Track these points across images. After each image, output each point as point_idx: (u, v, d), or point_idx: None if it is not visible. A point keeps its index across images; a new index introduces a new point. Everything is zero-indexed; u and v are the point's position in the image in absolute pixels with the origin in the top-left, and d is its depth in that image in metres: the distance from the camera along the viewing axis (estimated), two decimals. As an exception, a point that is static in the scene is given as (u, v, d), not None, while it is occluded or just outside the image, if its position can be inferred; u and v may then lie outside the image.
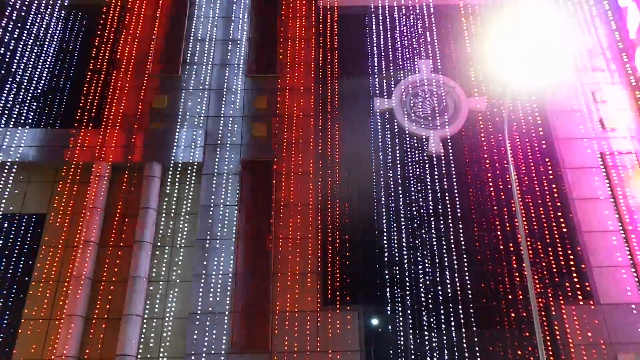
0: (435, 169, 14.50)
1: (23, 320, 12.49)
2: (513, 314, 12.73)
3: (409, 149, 14.81)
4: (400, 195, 14.19)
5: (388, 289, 13.09)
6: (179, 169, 14.33)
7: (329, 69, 15.89)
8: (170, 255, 13.42)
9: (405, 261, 13.39)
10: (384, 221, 13.91)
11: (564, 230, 13.52)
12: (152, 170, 14.01)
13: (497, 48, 15.90)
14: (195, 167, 14.33)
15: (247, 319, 12.61)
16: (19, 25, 16.33)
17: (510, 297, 12.96)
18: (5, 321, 12.56)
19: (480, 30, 16.41)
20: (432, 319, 12.81)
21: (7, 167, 13.90)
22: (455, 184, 14.26)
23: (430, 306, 12.94)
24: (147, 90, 15.18)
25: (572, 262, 13.13)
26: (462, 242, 13.54)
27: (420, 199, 14.16)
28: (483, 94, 15.43)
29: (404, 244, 13.58)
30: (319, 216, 13.84)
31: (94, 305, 12.67)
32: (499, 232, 13.69)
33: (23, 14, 16.45)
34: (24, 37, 16.19)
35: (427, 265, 13.40)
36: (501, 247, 13.51)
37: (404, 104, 15.32)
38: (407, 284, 13.17)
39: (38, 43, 16.12)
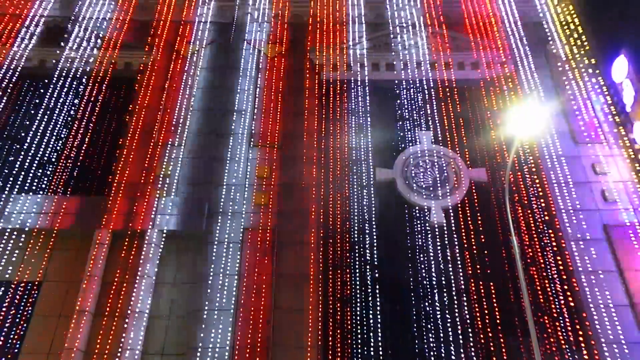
0: (438, 239, 14.37)
1: (10, 395, 12.00)
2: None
3: (411, 219, 14.76)
4: (403, 266, 13.98)
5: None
6: (180, 237, 14.24)
7: (331, 139, 16.16)
8: (167, 327, 13.05)
9: (409, 332, 12.99)
10: (386, 292, 13.62)
11: (571, 304, 13.18)
12: (152, 238, 13.93)
13: (496, 120, 16.31)
14: (196, 235, 14.23)
15: (244, 396, 12.07)
16: (28, 95, 16.87)
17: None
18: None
19: (480, 103, 16.87)
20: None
21: (7, 233, 13.84)
22: (457, 254, 14.10)
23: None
24: (152, 159, 15.38)
25: (580, 337, 12.70)
26: (466, 315, 13.17)
27: (423, 270, 13.94)
28: (483, 165, 15.59)
29: (405, 317, 13.23)
30: (319, 287, 13.58)
31: (85, 379, 12.20)
32: (505, 306, 13.35)
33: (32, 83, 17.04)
34: (33, 106, 16.68)
35: (431, 339, 12.98)
36: (506, 320, 13.14)
37: (405, 175, 15.44)
38: (410, 357, 12.69)
39: (44, 111, 16.53)
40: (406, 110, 16.81)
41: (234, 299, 13.10)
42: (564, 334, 12.83)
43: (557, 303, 13.25)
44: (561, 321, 13.00)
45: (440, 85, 17.13)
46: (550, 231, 14.27)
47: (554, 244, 14.05)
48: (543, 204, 14.72)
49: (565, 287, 13.39)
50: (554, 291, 13.41)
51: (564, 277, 13.55)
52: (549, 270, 13.73)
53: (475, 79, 17.31)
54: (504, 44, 17.95)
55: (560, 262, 13.74)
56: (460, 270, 13.86)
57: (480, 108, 16.80)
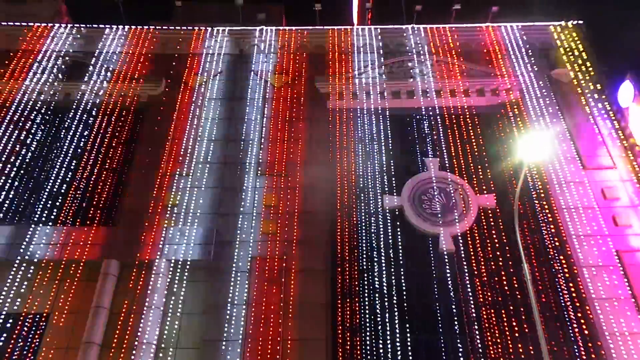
0: (448, 267, 14.22)
1: None
2: None
3: (419, 247, 14.65)
4: (413, 294, 13.80)
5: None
6: (188, 267, 14.19)
7: (338, 167, 16.21)
8: (174, 358, 12.89)
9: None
10: (397, 320, 13.42)
11: (585, 332, 12.91)
12: (160, 268, 13.90)
13: (504, 146, 16.33)
14: (204, 264, 14.18)
15: None
16: (38, 125, 17.13)
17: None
18: None
19: (486, 129, 16.92)
20: None
21: (15, 265, 13.86)
22: (468, 281, 13.93)
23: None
24: (160, 189, 15.46)
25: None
26: (478, 344, 12.92)
27: (434, 298, 13.75)
28: (492, 192, 15.53)
29: (418, 344, 13.00)
30: (329, 316, 13.42)
31: (91, 413, 12.01)
32: (516, 334, 13.10)
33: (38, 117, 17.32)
34: (44, 138, 16.91)
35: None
36: (520, 349, 12.86)
37: (413, 202, 15.40)
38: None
39: (53, 143, 16.76)
40: (413, 138, 16.87)
41: (242, 329, 12.96)
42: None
43: (571, 331, 12.98)
44: (576, 350, 12.72)
45: (447, 113, 17.23)
46: (562, 257, 14.09)
47: (566, 270, 13.86)
48: (553, 230, 14.59)
49: (579, 314, 13.15)
50: (567, 319, 13.16)
51: (577, 304, 13.32)
52: (561, 297, 13.51)
53: (481, 105, 17.41)
54: (509, 71, 18.10)
55: (572, 289, 13.52)
56: (471, 297, 13.66)
57: (487, 134, 16.84)
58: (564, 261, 14.01)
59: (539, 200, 15.21)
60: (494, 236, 14.66)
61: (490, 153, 16.37)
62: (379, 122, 17.18)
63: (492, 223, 14.96)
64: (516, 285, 13.72)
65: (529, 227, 14.74)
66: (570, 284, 13.60)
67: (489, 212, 15.19)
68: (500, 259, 14.22)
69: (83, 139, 16.93)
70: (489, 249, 14.48)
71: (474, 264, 14.23)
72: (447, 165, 16.17)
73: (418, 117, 17.29)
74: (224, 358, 12.54)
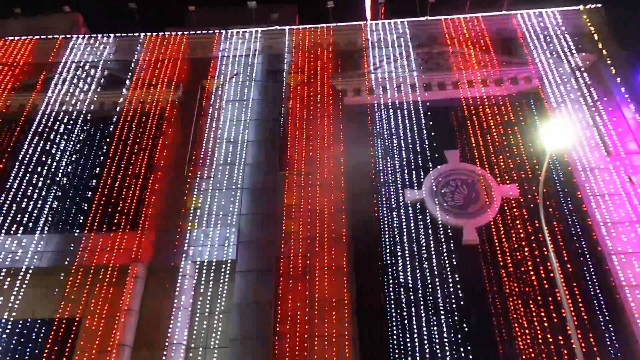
0: (472, 258, 14.13)
1: None
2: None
3: (443, 239, 14.58)
4: (438, 287, 13.76)
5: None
6: (213, 268, 14.38)
7: (357, 164, 16.22)
8: (204, 357, 13.08)
9: (448, 355, 12.69)
10: (422, 314, 13.39)
11: (617, 319, 12.72)
12: (186, 270, 14.10)
13: (525, 135, 16.14)
14: (229, 265, 14.34)
15: None
16: (61, 135, 17.51)
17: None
18: None
19: (507, 118, 16.73)
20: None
21: (46, 271, 14.20)
22: (493, 273, 13.82)
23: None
24: (182, 192, 15.67)
25: (628, 352, 12.21)
26: (505, 336, 12.82)
27: (459, 290, 13.68)
28: (514, 182, 15.36)
29: (445, 338, 12.95)
30: (355, 312, 13.46)
31: (126, 414, 12.27)
32: (545, 324, 12.95)
33: (63, 125, 17.69)
34: (68, 147, 17.27)
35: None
36: (549, 339, 12.72)
37: (434, 195, 15.33)
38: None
39: (79, 152, 17.10)
40: (432, 130, 16.78)
41: (270, 327, 13.06)
42: (612, 349, 12.34)
43: (601, 319, 12.80)
44: (606, 338, 12.53)
45: (465, 103, 17.09)
46: (589, 245, 13.89)
47: (594, 258, 13.66)
48: (579, 218, 14.37)
49: (610, 302, 12.95)
50: (597, 307, 12.97)
51: (607, 293, 13.12)
52: (590, 286, 13.32)
53: (500, 95, 17.23)
54: (528, 58, 17.87)
55: (601, 277, 13.32)
56: (497, 288, 13.55)
57: (508, 124, 16.64)
58: (591, 249, 13.80)
59: (563, 188, 15.01)
60: (518, 226, 14.51)
61: (511, 142, 16.18)
62: (397, 116, 17.13)
63: (516, 213, 14.82)
64: (543, 275, 13.56)
65: (554, 216, 14.56)
66: (599, 272, 13.40)
67: (512, 202, 15.04)
68: (526, 249, 14.07)
69: (106, 147, 17.25)
70: (514, 239, 14.35)
71: (499, 255, 14.11)
72: (468, 156, 16.05)
73: (436, 109, 17.19)
74: (252, 356, 12.66)
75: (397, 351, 12.92)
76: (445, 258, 14.23)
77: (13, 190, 16.02)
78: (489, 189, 15.24)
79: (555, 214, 14.61)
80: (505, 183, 15.39)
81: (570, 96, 16.69)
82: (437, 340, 12.93)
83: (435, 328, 13.11)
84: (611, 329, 12.64)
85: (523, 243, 14.20)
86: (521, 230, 14.40)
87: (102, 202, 15.89)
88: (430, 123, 16.92)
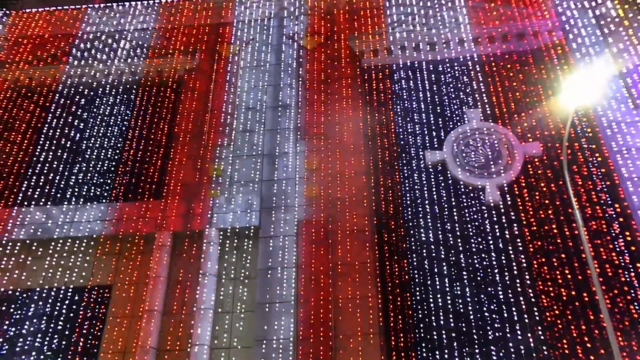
0: (495, 219, 14.05)
1: (94, 392, 12.76)
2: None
3: (465, 200, 14.49)
4: (461, 248, 13.76)
5: (455, 346, 12.48)
6: (237, 234, 14.63)
7: (377, 126, 16.08)
8: (231, 321, 13.47)
9: (472, 315, 12.80)
10: (446, 275, 13.46)
11: (643, 276, 12.59)
12: (211, 237, 14.37)
13: (548, 91, 15.70)
14: (252, 231, 14.57)
15: (310, 385, 12.30)
16: (83, 107, 17.71)
17: (589, 353, 12.02)
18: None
19: (529, 74, 16.27)
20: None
21: (77, 241, 14.66)
22: (517, 232, 13.73)
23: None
24: (204, 160, 15.81)
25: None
26: (531, 295, 12.83)
27: (482, 251, 13.67)
28: (537, 139, 15.06)
29: (468, 299, 13.03)
30: (377, 274, 13.61)
31: (159, 375, 12.81)
32: (570, 282, 12.91)
33: (83, 96, 17.88)
34: (90, 119, 17.49)
35: (495, 319, 12.74)
36: (573, 295, 12.70)
37: (456, 155, 15.16)
38: (475, 338, 12.53)
39: (100, 123, 17.31)
40: (452, 89, 16.45)
41: (293, 290, 13.33)
42: (639, 306, 12.27)
43: (627, 277, 12.68)
44: (632, 295, 12.44)
45: (486, 60, 16.65)
46: (615, 202, 13.64)
47: (620, 215, 13.43)
48: (605, 175, 14.08)
49: (635, 258, 12.79)
50: (623, 264, 12.84)
51: (633, 248, 12.94)
52: (615, 243, 13.15)
53: (522, 50, 16.71)
54: (550, 10, 17.20)
55: (627, 234, 13.12)
56: (521, 248, 13.49)
57: (530, 80, 16.19)
58: (617, 206, 13.56)
59: (588, 144, 14.66)
60: (542, 184, 14.30)
61: (534, 99, 15.78)
62: (416, 76, 16.81)
63: (540, 171, 14.58)
64: (567, 234, 13.42)
65: (579, 173, 14.27)
66: (625, 230, 13.19)
67: (536, 160, 14.79)
68: (550, 207, 13.90)
69: (127, 117, 17.42)
70: (537, 197, 14.17)
71: (522, 214, 13.98)
72: (489, 114, 15.74)
73: (456, 67, 16.79)
74: (277, 319, 12.98)
75: (420, 312, 13.08)
76: (468, 219, 14.17)
77: (40, 162, 16.39)
78: (511, 147, 14.99)
79: (580, 171, 14.32)
80: (528, 141, 15.10)
81: (596, 48, 16.09)
82: (460, 302, 13.02)
83: (458, 289, 13.18)
84: (637, 286, 12.52)
85: (547, 202, 14.02)
86: (545, 189, 14.20)
87: (126, 173, 16.17)
88: (450, 82, 16.57)
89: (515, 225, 13.84)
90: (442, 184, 14.79)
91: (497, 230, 13.80)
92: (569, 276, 12.90)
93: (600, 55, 15.92)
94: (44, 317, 13.81)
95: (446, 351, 12.47)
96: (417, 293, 13.29)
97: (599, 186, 13.97)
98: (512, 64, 16.51)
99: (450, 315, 12.86)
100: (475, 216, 14.16)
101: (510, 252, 13.47)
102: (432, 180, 14.89)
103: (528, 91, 15.95)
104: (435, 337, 12.71)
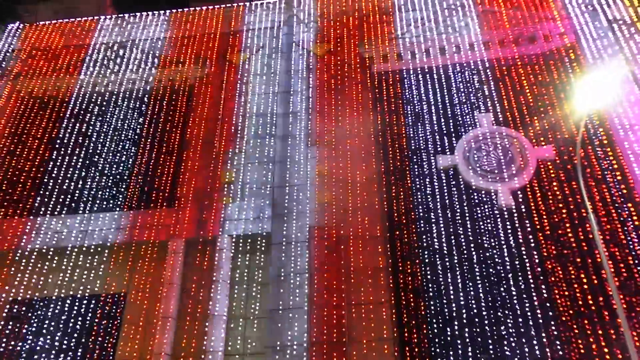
0: (508, 223, 13.97)
1: (109, 399, 12.83)
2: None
3: (477, 204, 14.43)
4: (474, 253, 13.70)
5: (470, 351, 12.40)
6: (249, 241, 14.68)
7: (388, 131, 16.09)
8: (245, 328, 13.50)
9: (486, 320, 12.72)
10: (459, 280, 13.40)
11: (660, 279, 12.44)
12: (223, 243, 14.44)
13: (560, 94, 15.62)
14: (264, 237, 14.61)
15: (324, 391, 12.27)
16: (96, 117, 17.94)
17: (605, 356, 11.88)
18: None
19: (541, 78, 16.21)
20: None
21: (92, 250, 14.81)
22: (530, 236, 13.64)
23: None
24: (216, 167, 15.91)
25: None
26: (545, 298, 12.73)
27: (495, 255, 13.60)
28: (550, 143, 14.98)
29: (482, 303, 12.95)
30: (390, 279, 13.59)
31: (174, 381, 12.86)
32: (585, 286, 12.78)
33: (97, 105, 18.10)
34: (103, 129, 17.69)
35: (509, 324, 12.65)
36: (589, 301, 12.57)
37: (467, 159, 15.11)
38: (490, 344, 12.44)
39: (113, 133, 17.51)
40: (463, 94, 16.43)
41: (306, 296, 13.34)
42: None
43: (643, 280, 12.54)
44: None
45: (497, 64, 16.62)
46: (630, 205, 13.51)
47: (635, 218, 13.29)
48: (619, 178, 13.95)
49: (652, 262, 12.65)
50: (638, 268, 12.69)
51: (649, 252, 12.80)
52: (631, 246, 13.01)
53: (533, 53, 16.66)
54: (562, 13, 17.14)
55: (643, 237, 12.99)
56: (535, 252, 13.39)
57: (542, 83, 16.13)
58: (632, 209, 13.43)
59: (601, 147, 14.54)
60: (555, 188, 14.21)
61: (546, 102, 15.71)
62: (427, 81, 16.81)
63: (553, 175, 14.50)
64: (582, 237, 13.31)
65: (593, 176, 14.17)
66: (640, 232, 13.07)
67: (549, 164, 14.70)
68: (564, 211, 13.80)
69: (139, 126, 17.59)
70: (551, 201, 14.08)
71: (536, 218, 13.89)
72: (501, 119, 15.69)
73: (467, 72, 16.78)
74: (291, 325, 12.99)
75: (434, 317, 13.02)
76: (480, 223, 14.11)
77: (54, 172, 16.60)
78: (523, 151, 14.92)
79: (594, 174, 14.21)
80: (540, 145, 15.03)
81: (608, 51, 16.00)
82: (474, 306, 12.94)
83: (471, 293, 13.11)
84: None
85: (560, 205, 13.92)
86: (558, 193, 14.11)
87: (139, 181, 16.32)
88: (461, 87, 16.55)
89: (528, 229, 13.76)
90: (454, 189, 14.75)
91: (510, 234, 13.72)
92: (584, 279, 12.78)
93: (613, 58, 15.82)
94: (61, 324, 13.94)
95: (460, 356, 12.39)
96: (431, 297, 13.24)
97: (613, 189, 13.85)
98: (524, 68, 16.46)
99: (464, 320, 12.79)
100: (488, 220, 14.09)
101: (524, 255, 13.38)
102: (444, 185, 14.85)
103: (540, 95, 15.90)
104: (449, 341, 12.64)
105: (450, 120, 15.96)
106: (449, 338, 12.70)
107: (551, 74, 16.22)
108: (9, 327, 14.07)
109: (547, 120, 15.35)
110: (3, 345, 13.77)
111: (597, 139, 14.73)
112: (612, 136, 14.62)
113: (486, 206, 14.37)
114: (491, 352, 12.34)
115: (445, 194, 14.70)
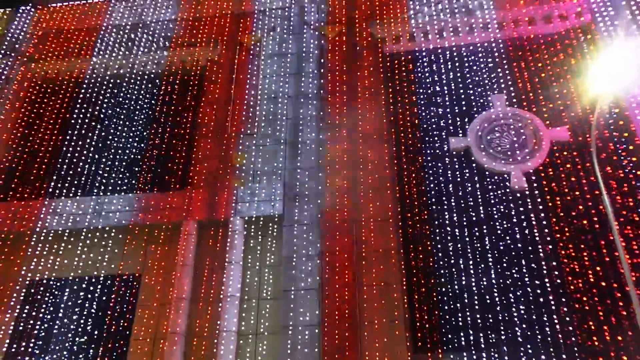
0: (521, 205, 13.90)
1: (126, 377, 13.12)
2: (625, 358, 11.61)
3: (490, 187, 14.36)
4: (486, 234, 13.68)
5: (481, 334, 12.47)
6: (261, 223, 14.78)
7: (400, 113, 16.00)
8: (258, 308, 13.68)
9: (498, 303, 12.75)
10: (471, 262, 13.41)
11: (674, 262, 12.35)
12: (236, 225, 14.55)
13: (576, 75, 15.37)
14: (276, 219, 14.69)
15: (336, 371, 12.44)
16: (109, 99, 18.03)
17: (619, 338, 11.88)
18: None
19: (556, 58, 15.95)
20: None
21: (106, 231, 15.00)
22: (543, 218, 13.57)
23: (529, 349, 12.11)
24: (227, 150, 15.96)
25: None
26: (558, 281, 12.71)
27: (508, 237, 13.57)
28: (564, 124, 14.80)
29: (494, 285, 12.98)
30: (402, 261, 13.64)
31: (189, 360, 13.08)
32: (597, 267, 12.73)
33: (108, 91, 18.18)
34: (116, 111, 17.80)
35: (521, 307, 12.67)
36: (602, 284, 12.53)
37: (480, 141, 15.00)
38: (502, 326, 12.49)
39: (126, 115, 17.61)
40: (476, 75, 16.23)
41: (318, 278, 13.44)
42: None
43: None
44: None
45: (511, 44, 16.35)
46: (645, 186, 13.37)
47: (650, 200, 13.17)
48: (634, 159, 13.77)
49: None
50: (653, 250, 12.61)
51: (664, 234, 12.70)
52: (645, 228, 12.91)
53: (548, 33, 16.36)
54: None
55: (658, 219, 12.87)
56: (547, 234, 13.34)
57: (557, 64, 15.86)
58: (648, 190, 13.29)
59: (617, 128, 14.33)
60: (569, 170, 14.08)
61: (561, 83, 15.47)
62: (439, 62, 16.62)
63: (567, 157, 14.35)
64: (595, 219, 13.22)
65: (608, 158, 14.00)
66: (656, 214, 12.95)
67: (563, 145, 14.54)
68: (577, 193, 13.69)
69: (151, 108, 17.66)
70: (564, 183, 13.96)
71: (549, 200, 13.81)
72: (514, 100, 15.51)
73: (481, 52, 16.54)
74: (303, 306, 13.12)
75: (445, 300, 13.08)
76: (493, 205, 14.05)
77: (69, 155, 16.76)
78: (537, 133, 14.76)
79: (609, 155, 14.04)
80: (555, 126, 14.85)
81: (625, 30, 15.63)
82: (485, 288, 12.97)
83: (483, 276, 13.12)
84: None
85: (574, 187, 13.80)
86: (572, 175, 13.97)
87: (151, 163, 16.44)
88: (474, 67, 16.34)
89: (541, 210, 13.68)
90: (467, 171, 14.67)
91: (522, 217, 13.66)
92: (597, 262, 12.73)
93: (630, 38, 15.49)
94: (78, 304, 14.22)
95: (472, 336, 12.47)
96: (442, 279, 13.28)
97: (629, 173, 13.68)
98: (539, 48, 16.19)
99: (476, 301, 12.83)
100: (501, 202, 14.02)
101: (537, 238, 13.34)
102: (457, 167, 14.78)
103: (555, 75, 15.64)
104: (460, 322, 12.71)
105: (463, 102, 15.79)
106: (460, 320, 12.76)
107: (567, 54, 15.93)
108: (27, 307, 14.37)
109: (562, 101, 15.13)
110: (21, 325, 14.09)
111: (612, 120, 14.50)
112: (627, 117, 14.39)
113: (499, 188, 14.30)
114: (502, 333, 12.38)
115: (457, 176, 14.63)
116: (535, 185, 14.09)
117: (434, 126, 15.57)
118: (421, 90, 16.29)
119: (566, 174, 14.08)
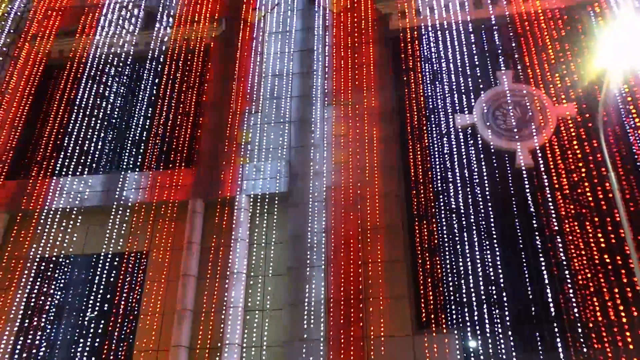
0: (526, 182, 13.88)
1: (135, 351, 13.37)
2: (628, 333, 11.72)
3: (496, 164, 14.32)
4: (491, 212, 13.70)
5: (485, 309, 12.59)
6: (267, 200, 14.86)
7: (405, 90, 15.89)
8: (264, 285, 13.85)
9: (502, 279, 12.84)
10: (475, 239, 13.46)
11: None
12: (241, 203, 14.64)
13: (583, 50, 15.17)
14: (281, 197, 14.76)
15: (341, 346, 12.63)
16: (113, 77, 17.99)
17: (621, 314, 11.97)
18: (121, 353, 13.51)
19: (563, 34, 15.71)
20: (533, 339, 12.10)
21: (113, 209, 15.14)
22: (549, 196, 13.56)
23: (532, 325, 12.25)
24: (232, 128, 15.96)
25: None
26: (562, 258, 12.76)
27: (513, 214, 13.58)
28: (572, 100, 14.66)
29: (498, 262, 13.05)
30: (407, 238, 13.72)
31: (196, 336, 13.31)
32: (602, 244, 12.76)
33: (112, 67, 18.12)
34: (120, 89, 17.77)
35: (526, 282, 12.77)
36: (607, 261, 12.57)
37: (486, 118, 14.91)
38: (505, 302, 12.60)
39: (131, 93, 17.59)
40: (483, 51, 16.03)
41: (324, 255, 13.56)
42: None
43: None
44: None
45: (518, 19, 16.10)
46: (652, 165, 13.30)
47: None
48: (641, 136, 13.69)
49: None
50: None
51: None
52: (651, 206, 12.88)
53: (556, 7, 16.07)
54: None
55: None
56: (553, 211, 13.34)
57: (564, 39, 15.63)
58: (654, 169, 13.23)
59: (624, 104, 14.19)
60: (576, 147, 14.00)
61: (568, 59, 15.27)
62: (446, 38, 16.41)
63: (574, 133, 14.25)
64: (601, 197, 13.19)
65: (615, 135, 13.91)
66: (662, 191, 12.91)
67: (570, 122, 14.43)
68: (584, 170, 13.64)
69: (156, 86, 17.62)
70: (571, 160, 13.90)
71: (555, 177, 13.77)
72: (521, 76, 15.35)
73: (487, 28, 16.32)
74: (309, 282, 13.27)
75: (450, 275, 13.18)
76: (499, 182, 14.04)
77: (75, 133, 16.82)
78: (544, 109, 14.64)
79: (616, 132, 13.94)
80: (562, 102, 14.72)
81: (636, 4, 15.35)
82: (490, 265, 13.05)
83: (488, 253, 13.18)
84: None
85: (581, 164, 13.74)
86: (578, 151, 13.90)
87: (157, 141, 16.48)
88: (481, 43, 16.14)
89: (547, 187, 13.66)
90: (472, 148, 14.62)
91: (528, 194, 13.65)
92: (601, 238, 12.75)
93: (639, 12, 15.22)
94: (87, 281, 14.46)
95: (476, 314, 12.60)
96: (447, 256, 13.37)
97: (636, 147, 13.60)
98: (546, 23, 15.93)
99: (480, 279, 12.92)
100: (506, 179, 14.00)
101: (542, 215, 13.35)
102: (462, 144, 14.72)
103: (562, 51, 15.44)
104: (464, 300, 12.83)
105: (469, 78, 15.65)
106: (464, 297, 12.88)
107: (575, 29, 15.69)
108: (37, 284, 14.62)
109: (569, 77, 14.96)
110: (33, 301, 14.36)
111: (620, 97, 14.35)
112: (635, 93, 14.23)
113: (505, 166, 14.26)
114: (506, 310, 12.49)
115: (464, 153, 14.58)
116: (541, 161, 14.03)
117: (439, 103, 15.47)
118: (427, 67, 16.13)
119: (572, 150, 14.00)
